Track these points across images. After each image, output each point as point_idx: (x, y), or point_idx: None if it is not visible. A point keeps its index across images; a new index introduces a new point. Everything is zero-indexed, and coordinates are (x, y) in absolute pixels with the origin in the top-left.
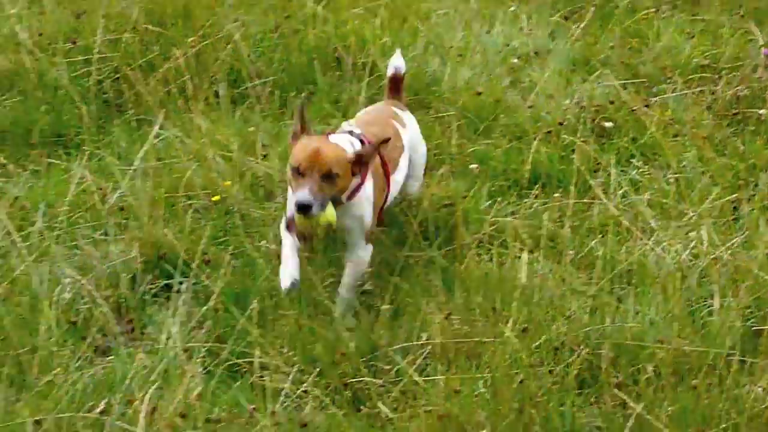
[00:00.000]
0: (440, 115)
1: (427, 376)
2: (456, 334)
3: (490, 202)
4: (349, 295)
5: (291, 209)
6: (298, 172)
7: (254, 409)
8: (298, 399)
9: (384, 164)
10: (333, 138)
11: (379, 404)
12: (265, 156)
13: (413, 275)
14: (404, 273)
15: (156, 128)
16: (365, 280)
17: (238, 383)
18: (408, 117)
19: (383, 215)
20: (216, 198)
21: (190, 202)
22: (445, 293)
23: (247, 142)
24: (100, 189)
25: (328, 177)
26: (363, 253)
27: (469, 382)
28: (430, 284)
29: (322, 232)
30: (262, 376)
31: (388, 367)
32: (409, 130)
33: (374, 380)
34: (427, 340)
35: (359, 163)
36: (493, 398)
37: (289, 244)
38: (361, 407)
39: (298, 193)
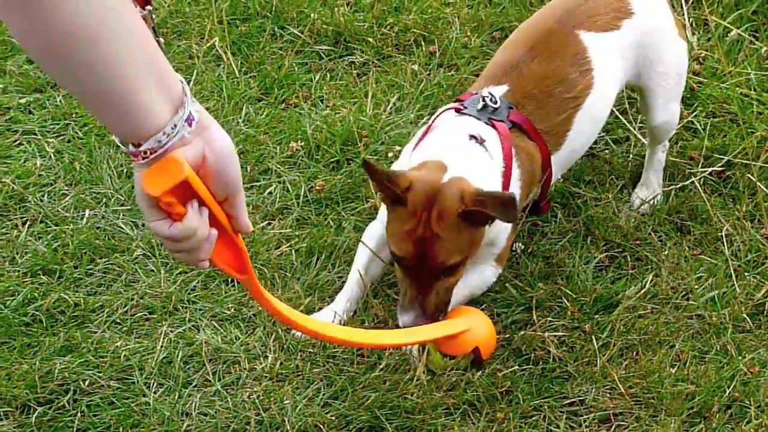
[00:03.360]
0: None
1: None
2: None
3: None
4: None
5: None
6: (401, 264)
7: None
8: None
9: (535, 136)
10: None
11: None
12: None
13: None
14: None
15: None
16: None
17: None
18: None
19: (547, 201)
20: None
21: None
22: None
23: None
24: None
25: (448, 271)
26: (487, 275)
27: None
28: None
29: None
30: None
31: None
32: (640, 24)
33: None
34: None
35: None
36: None
37: (362, 263)
38: None
39: (404, 317)
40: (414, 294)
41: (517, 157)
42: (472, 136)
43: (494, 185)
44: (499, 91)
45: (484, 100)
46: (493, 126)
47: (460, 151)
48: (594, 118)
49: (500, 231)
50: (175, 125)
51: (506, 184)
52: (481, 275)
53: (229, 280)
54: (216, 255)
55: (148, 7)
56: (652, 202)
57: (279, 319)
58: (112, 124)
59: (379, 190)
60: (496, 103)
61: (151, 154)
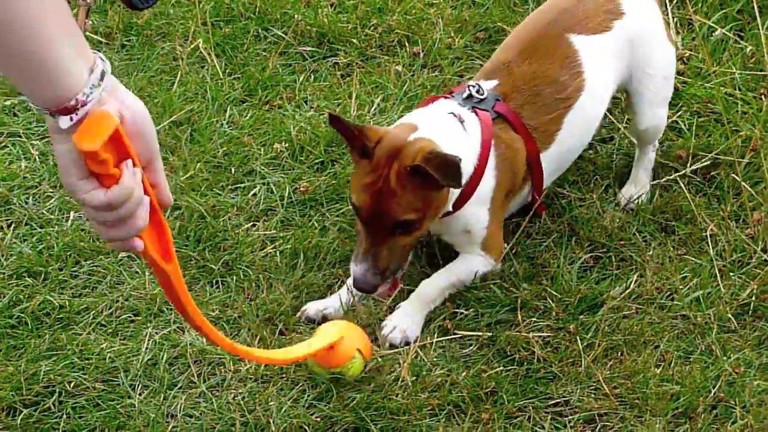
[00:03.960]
0: None
1: None
2: None
3: None
4: (435, 292)
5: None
6: (359, 216)
7: None
8: None
9: (521, 129)
10: (424, 123)
11: None
12: None
13: None
14: None
15: None
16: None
17: None
18: None
19: (542, 203)
20: None
21: None
22: None
23: None
24: None
25: (403, 227)
26: (474, 263)
27: None
28: None
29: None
30: None
31: None
32: (630, 24)
33: None
34: None
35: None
36: None
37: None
38: None
39: (356, 267)
40: (368, 247)
41: (495, 147)
42: (452, 114)
43: (464, 158)
44: (489, 85)
45: (469, 90)
46: (476, 114)
47: (435, 119)
48: (586, 119)
49: (471, 219)
50: (93, 84)
51: (480, 169)
52: (466, 263)
53: (213, 281)
54: (146, 236)
55: None
56: (639, 200)
57: (190, 323)
58: (33, 87)
59: (348, 142)
60: (482, 94)
61: (76, 111)
